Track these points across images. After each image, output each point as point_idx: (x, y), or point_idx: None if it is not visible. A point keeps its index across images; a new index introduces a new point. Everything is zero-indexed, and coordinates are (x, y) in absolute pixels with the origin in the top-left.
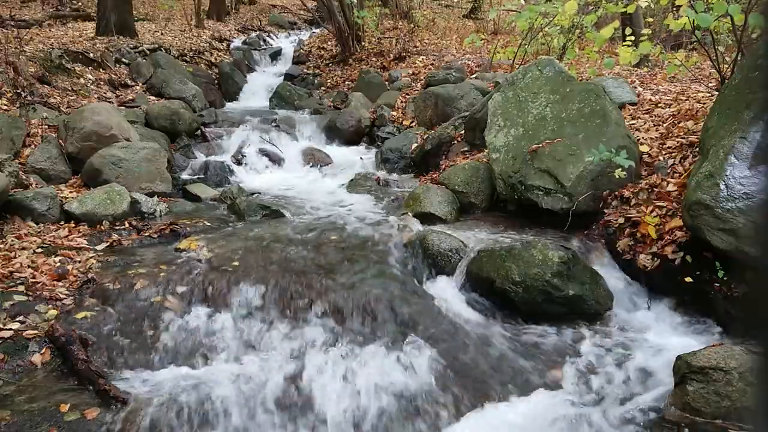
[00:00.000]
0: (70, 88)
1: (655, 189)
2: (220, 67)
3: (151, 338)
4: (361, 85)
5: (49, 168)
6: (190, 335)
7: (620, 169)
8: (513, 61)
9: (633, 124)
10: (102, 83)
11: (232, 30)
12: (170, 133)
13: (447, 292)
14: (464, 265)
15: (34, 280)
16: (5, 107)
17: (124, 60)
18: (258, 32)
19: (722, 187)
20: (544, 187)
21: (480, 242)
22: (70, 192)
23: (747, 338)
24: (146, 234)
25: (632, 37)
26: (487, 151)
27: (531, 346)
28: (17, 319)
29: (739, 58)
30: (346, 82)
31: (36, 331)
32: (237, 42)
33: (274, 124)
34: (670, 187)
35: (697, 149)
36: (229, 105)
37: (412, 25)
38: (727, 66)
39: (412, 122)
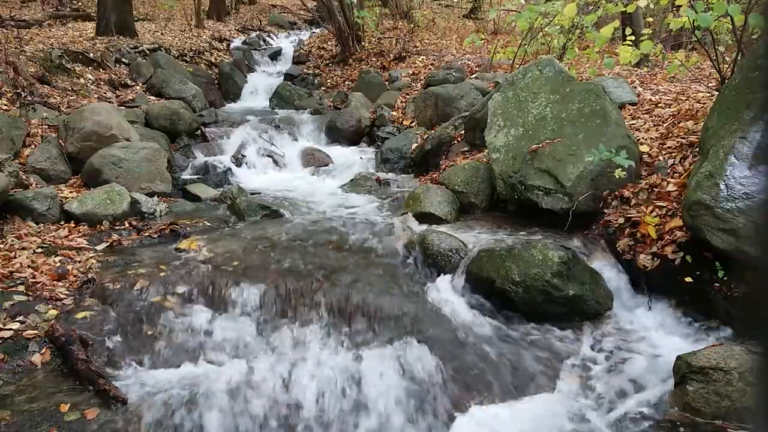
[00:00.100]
0: (70, 88)
1: (655, 189)
2: (220, 67)
3: (151, 338)
4: (361, 85)
5: (49, 168)
6: (190, 335)
7: (620, 169)
8: (513, 61)
9: (633, 124)
10: (102, 83)
11: (232, 30)
12: (170, 133)
13: (447, 293)
14: (464, 265)
15: (34, 280)
16: (5, 107)
17: (124, 60)
18: (258, 32)
19: (722, 187)
20: (544, 187)
21: (480, 242)
22: (70, 192)
23: (747, 338)
24: (146, 234)
25: (632, 37)
26: (487, 151)
27: (531, 346)
28: (17, 319)
29: (739, 58)
30: (346, 82)
31: (36, 331)
32: (237, 42)
33: (274, 124)
34: (670, 187)
35: (697, 149)
36: (229, 105)
37: (412, 25)
38: (727, 66)
39: (412, 122)
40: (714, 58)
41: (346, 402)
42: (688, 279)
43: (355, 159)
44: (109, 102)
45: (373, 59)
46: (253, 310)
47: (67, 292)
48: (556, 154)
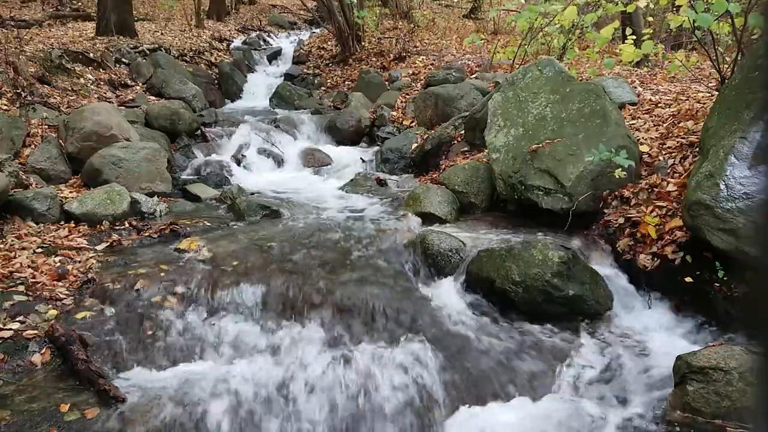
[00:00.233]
0: (70, 88)
1: (655, 189)
2: (220, 67)
3: (151, 338)
4: (361, 85)
5: (49, 168)
6: (190, 335)
7: (620, 169)
8: (513, 61)
9: (633, 124)
10: (102, 83)
11: (232, 30)
12: (170, 133)
13: (447, 293)
14: (464, 265)
15: (34, 280)
16: (5, 107)
17: (124, 60)
18: (258, 32)
19: (722, 187)
20: (544, 187)
21: (480, 242)
22: (70, 192)
23: (747, 338)
24: (146, 234)
25: (633, 37)
26: (487, 151)
27: (531, 346)
28: (17, 319)
29: (739, 58)
30: (346, 82)
31: (36, 331)
32: (237, 42)
33: (274, 124)
34: (670, 187)
35: (697, 149)
36: (229, 105)
37: (412, 25)
38: (727, 66)
39: (412, 122)
40: (714, 58)
41: (345, 402)
42: (688, 279)
43: (355, 159)
44: (109, 102)
45: (373, 59)
46: (253, 310)
47: (67, 292)
48: (556, 154)
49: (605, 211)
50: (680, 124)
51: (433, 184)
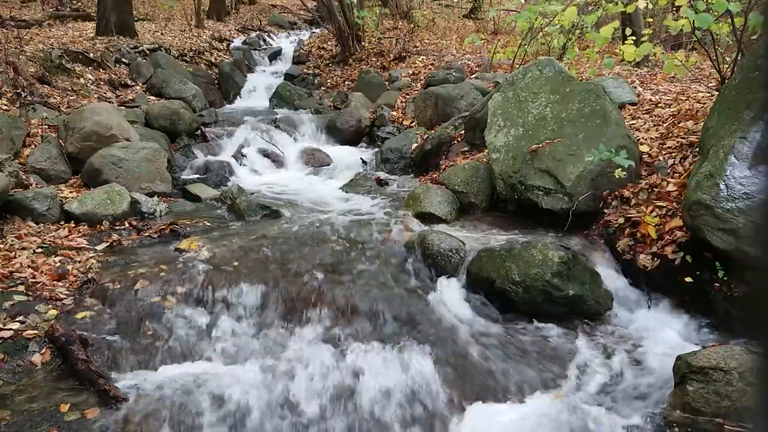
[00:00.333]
0: (70, 88)
1: (655, 189)
2: (220, 67)
3: (151, 338)
4: (361, 85)
5: (49, 168)
6: (190, 335)
7: (620, 169)
8: (513, 61)
9: (633, 124)
10: (102, 83)
11: (232, 30)
12: (170, 133)
13: (447, 293)
14: (464, 265)
15: (34, 280)
16: (5, 107)
17: (124, 60)
18: (258, 32)
19: (722, 187)
20: (544, 187)
21: (480, 242)
22: (70, 192)
23: (747, 338)
24: (146, 234)
25: (633, 37)
26: (487, 151)
27: (531, 346)
28: (17, 319)
29: (739, 58)
30: (346, 82)
31: (36, 331)
32: (237, 42)
33: (274, 124)
34: (670, 187)
35: (697, 149)
36: (229, 105)
37: (412, 25)
38: (727, 66)
39: (412, 122)
40: (714, 58)
41: (346, 402)
42: (688, 279)
43: (355, 159)
44: (109, 102)
45: (373, 59)
46: (253, 310)
47: (67, 292)
48: (556, 154)
49: (605, 211)
50: (680, 124)
51: (433, 184)
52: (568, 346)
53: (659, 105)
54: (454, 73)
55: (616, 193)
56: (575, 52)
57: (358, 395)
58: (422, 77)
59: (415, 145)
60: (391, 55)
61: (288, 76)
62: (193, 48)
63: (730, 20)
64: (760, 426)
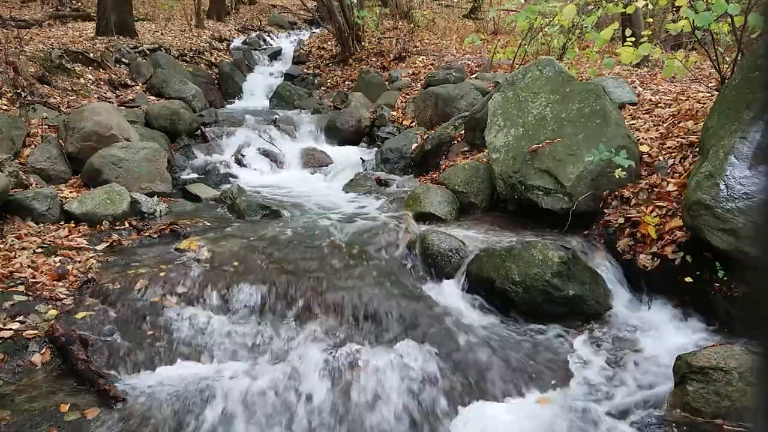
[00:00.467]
0: (70, 88)
1: (655, 189)
2: (220, 67)
3: (150, 338)
4: (361, 85)
5: (49, 168)
6: (190, 335)
7: (620, 169)
8: (513, 61)
9: (633, 124)
10: (102, 83)
11: (232, 30)
12: (170, 133)
13: (447, 293)
14: (464, 265)
15: (34, 280)
16: (5, 107)
17: (124, 60)
18: (258, 32)
19: (722, 187)
20: (544, 187)
21: (480, 242)
22: (70, 192)
23: (747, 338)
24: (146, 234)
25: (633, 38)
26: (487, 151)
27: (531, 346)
28: (17, 319)
29: (739, 58)
30: (346, 82)
31: (36, 331)
32: (237, 42)
33: (274, 124)
34: (670, 187)
35: (697, 149)
36: (229, 105)
37: (412, 25)
38: (727, 66)
39: (412, 122)
40: (714, 58)
41: (346, 402)
42: (688, 279)
43: (355, 159)
44: (109, 102)
45: (373, 59)
46: (253, 310)
47: (67, 292)
48: (556, 154)
49: (605, 211)
50: (680, 124)
51: (433, 184)
52: (568, 346)
53: (659, 105)
54: (454, 73)
55: (616, 193)
56: (575, 52)
57: (359, 395)
58: (422, 77)
59: (415, 145)
60: (391, 55)
61: (288, 76)
62: (193, 48)
63: (730, 20)
64: (760, 426)
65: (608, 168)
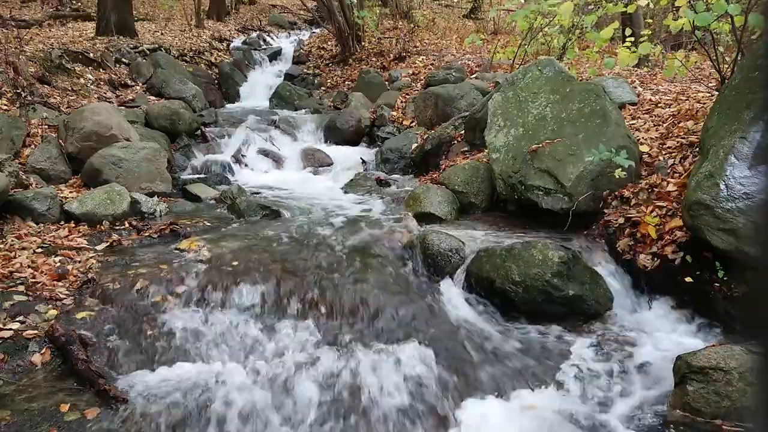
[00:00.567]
0: (70, 88)
1: (655, 189)
2: (220, 67)
3: (151, 338)
4: (361, 85)
5: (49, 168)
6: (190, 335)
7: (620, 169)
8: (513, 61)
9: (633, 124)
10: (102, 83)
11: (232, 30)
12: (170, 133)
13: (447, 292)
14: (464, 265)
15: (34, 280)
16: (5, 107)
17: (124, 60)
18: (258, 32)
19: (722, 187)
20: (544, 187)
21: (480, 242)
22: (70, 192)
23: (747, 338)
24: (146, 234)
25: (632, 38)
26: (487, 151)
27: (531, 346)
28: (17, 319)
29: (739, 58)
30: (346, 82)
31: (36, 331)
32: (237, 42)
33: (274, 124)
34: (670, 187)
35: (697, 149)
36: (229, 105)
37: (412, 25)
38: (727, 66)
39: (412, 122)
40: (714, 58)
41: (346, 402)
42: (688, 279)
43: (355, 159)
44: (109, 102)
45: (373, 59)
46: (253, 310)
47: (67, 292)
48: (556, 154)
49: (605, 211)
50: (680, 124)
51: (433, 184)
52: (567, 346)
53: (659, 105)
54: (454, 73)
55: (616, 193)
56: (575, 52)
57: (359, 395)
58: (422, 77)
59: (415, 145)
60: (391, 55)
61: (288, 76)
62: (193, 48)
63: (730, 19)
64: (760, 426)
65: (608, 168)
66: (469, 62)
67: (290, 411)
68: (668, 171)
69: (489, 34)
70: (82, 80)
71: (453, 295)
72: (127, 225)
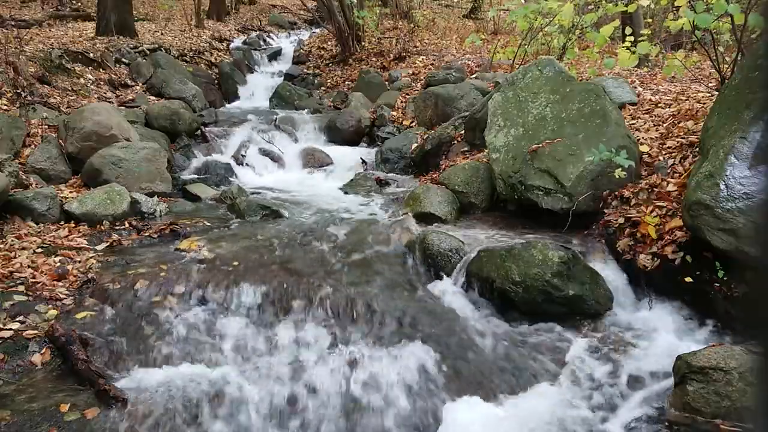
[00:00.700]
0: (70, 88)
1: (655, 189)
2: (220, 67)
3: (150, 338)
4: (361, 85)
5: (49, 168)
6: (190, 335)
7: (620, 169)
8: (513, 61)
9: (633, 124)
10: (102, 83)
11: (232, 30)
12: (170, 133)
13: (447, 292)
14: (464, 265)
15: (34, 280)
16: (5, 107)
17: (124, 60)
18: (258, 32)
19: (722, 187)
20: (544, 187)
21: (480, 242)
22: (70, 192)
23: (747, 338)
24: (146, 234)
25: (632, 38)
26: (487, 151)
27: (531, 346)
28: (17, 319)
29: (739, 58)
30: (346, 82)
31: (36, 331)
32: (237, 42)
33: (274, 124)
34: (670, 187)
35: (697, 149)
36: (229, 105)
37: (412, 25)
38: (727, 66)
39: (412, 122)
40: (714, 58)
41: (346, 402)
42: (688, 279)
43: (355, 159)
44: (109, 102)
45: (373, 59)
46: (253, 310)
47: (67, 292)
48: (556, 154)
49: (605, 211)
50: (680, 124)
51: (433, 184)
52: (567, 346)
53: (659, 105)
54: (454, 73)
55: (616, 193)
56: (575, 52)
57: (359, 395)
58: (422, 77)
59: (415, 145)
60: (391, 55)
61: (288, 76)
62: (193, 48)
63: (730, 19)
64: (760, 426)
65: (608, 168)
66: (469, 62)
67: (289, 410)
68: (668, 171)
69: (489, 34)
70: (82, 80)
71: (453, 295)
72: (127, 225)
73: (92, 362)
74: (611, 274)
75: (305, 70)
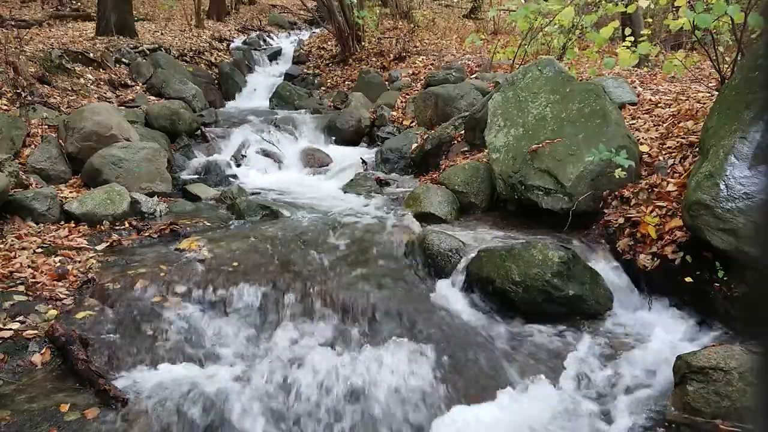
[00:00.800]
0: (70, 88)
1: (655, 189)
2: (220, 67)
3: (151, 338)
4: (361, 85)
5: (49, 168)
6: (190, 335)
7: (620, 169)
8: (513, 61)
9: (633, 124)
10: (102, 83)
11: (232, 30)
12: (170, 133)
13: (447, 292)
14: (464, 265)
15: (34, 280)
16: (5, 107)
17: (124, 60)
18: (258, 32)
19: (722, 187)
20: (544, 187)
21: (480, 242)
22: (70, 192)
23: (747, 338)
24: (146, 234)
25: (632, 38)
26: (487, 151)
27: (531, 346)
28: (17, 319)
29: (739, 58)
30: (346, 82)
31: (36, 331)
32: (237, 42)
33: (274, 124)
34: (670, 187)
35: (697, 149)
36: (229, 105)
37: (412, 25)
38: (727, 66)
39: (412, 122)
40: (714, 58)
41: (345, 401)
42: (688, 279)
43: (355, 159)
44: (109, 102)
45: (373, 59)
46: (253, 310)
47: (67, 292)
48: (556, 154)
49: (605, 211)
50: (680, 124)
51: (433, 184)
52: (567, 346)
53: (659, 105)
54: (454, 73)
55: (616, 193)
56: (575, 52)
57: (357, 394)
58: (422, 77)
59: (415, 145)
60: (391, 55)
61: (288, 76)
62: (193, 48)
63: (729, 19)
64: (760, 426)
65: (608, 168)
66: (469, 62)
67: (290, 410)
68: (668, 171)
69: (489, 34)
70: (82, 80)
71: (453, 295)
72: (127, 225)
73: (92, 362)
74: (611, 274)
75: (305, 70)
